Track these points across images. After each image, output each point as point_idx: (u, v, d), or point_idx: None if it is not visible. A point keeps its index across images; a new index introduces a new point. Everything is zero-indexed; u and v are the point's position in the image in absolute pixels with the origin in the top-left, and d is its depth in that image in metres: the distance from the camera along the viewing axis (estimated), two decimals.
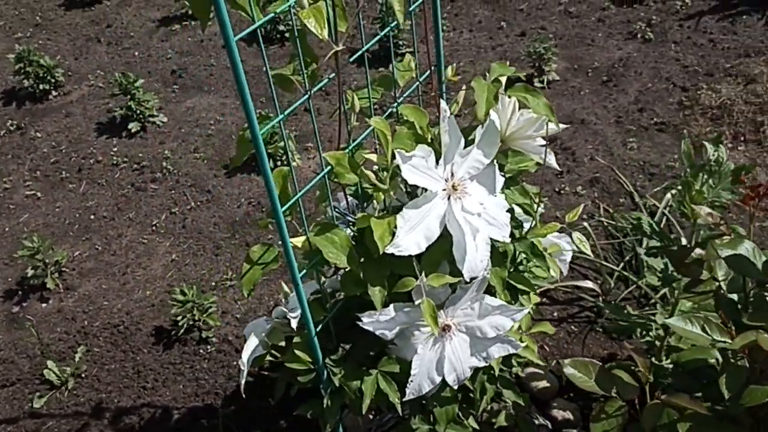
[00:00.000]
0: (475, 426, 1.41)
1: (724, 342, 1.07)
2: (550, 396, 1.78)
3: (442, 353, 1.19)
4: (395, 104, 1.17)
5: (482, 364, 1.23)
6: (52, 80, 3.21)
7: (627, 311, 1.68)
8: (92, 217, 2.57)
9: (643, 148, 2.52)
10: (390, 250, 1.04)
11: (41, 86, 3.19)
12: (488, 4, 3.52)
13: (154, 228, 2.49)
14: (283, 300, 1.28)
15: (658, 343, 1.60)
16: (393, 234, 1.05)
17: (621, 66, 2.93)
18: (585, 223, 2.11)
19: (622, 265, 2.06)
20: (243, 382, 1.23)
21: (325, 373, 1.22)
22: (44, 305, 2.25)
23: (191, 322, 2.05)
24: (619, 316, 1.65)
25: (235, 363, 1.98)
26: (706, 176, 1.38)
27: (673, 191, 2.04)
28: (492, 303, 1.19)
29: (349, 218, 1.18)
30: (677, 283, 1.45)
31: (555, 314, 2.01)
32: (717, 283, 1.33)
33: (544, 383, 1.78)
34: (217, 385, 1.93)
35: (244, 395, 1.28)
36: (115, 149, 2.87)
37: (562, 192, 2.39)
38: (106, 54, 3.53)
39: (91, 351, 2.08)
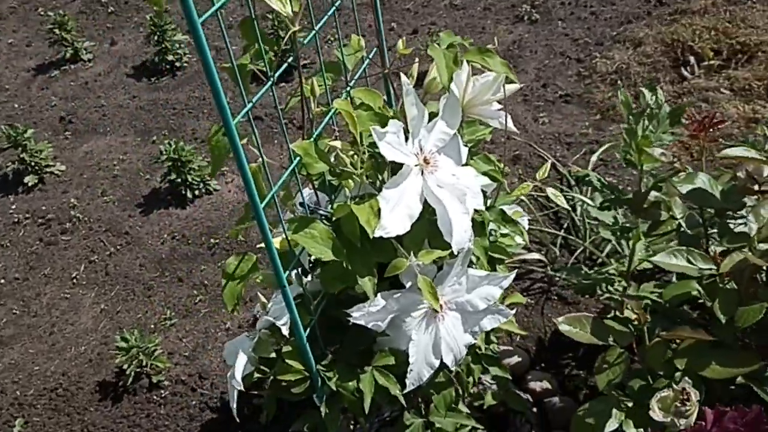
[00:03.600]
0: (467, 411, 1.38)
1: (710, 269, 1.09)
2: (524, 370, 1.78)
3: (437, 335, 1.15)
4: (348, 88, 1.13)
5: (475, 340, 1.21)
6: None
7: (584, 271, 1.71)
8: (2, 281, 2.36)
9: (555, 121, 2.59)
10: (378, 233, 1.00)
11: None
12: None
13: (74, 281, 2.32)
14: (261, 311, 1.20)
15: (619, 298, 1.63)
16: (377, 217, 1.01)
17: (516, 48, 3.01)
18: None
19: (563, 231, 2.10)
20: (235, 405, 1.15)
21: (319, 380, 1.15)
22: None
23: (138, 369, 1.91)
24: (577, 277, 1.67)
25: (194, 402, 1.86)
26: (646, 121, 1.42)
27: (603, 147, 2.10)
28: (478, 274, 1.17)
29: (321, 212, 1.13)
30: (634, 231, 1.48)
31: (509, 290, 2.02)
32: (676, 221, 1.36)
33: (516, 359, 1.77)
34: (179, 429, 1.81)
35: (238, 419, 1.19)
36: (14, 207, 2.66)
37: None
38: None
39: (30, 422, 1.90)
